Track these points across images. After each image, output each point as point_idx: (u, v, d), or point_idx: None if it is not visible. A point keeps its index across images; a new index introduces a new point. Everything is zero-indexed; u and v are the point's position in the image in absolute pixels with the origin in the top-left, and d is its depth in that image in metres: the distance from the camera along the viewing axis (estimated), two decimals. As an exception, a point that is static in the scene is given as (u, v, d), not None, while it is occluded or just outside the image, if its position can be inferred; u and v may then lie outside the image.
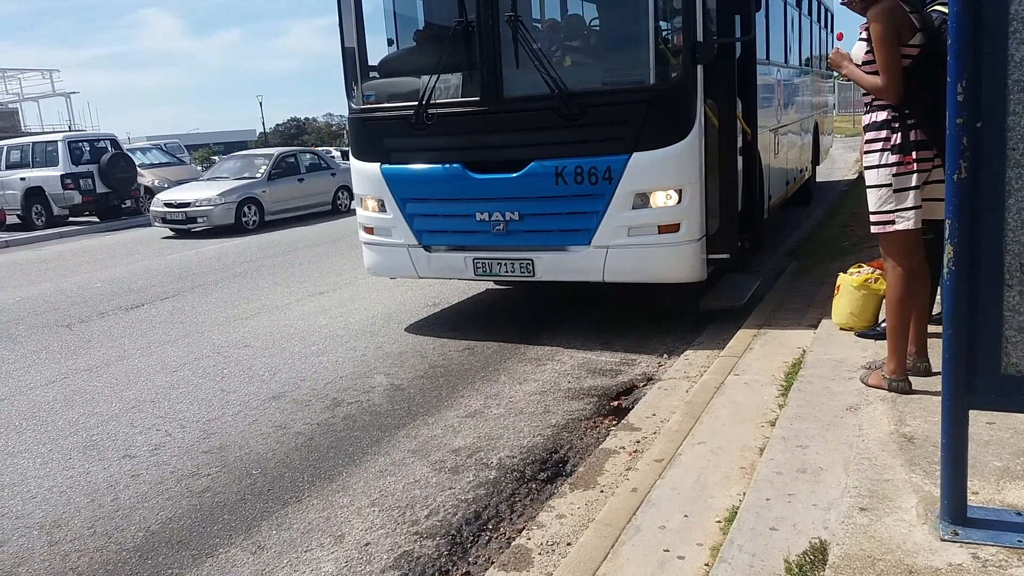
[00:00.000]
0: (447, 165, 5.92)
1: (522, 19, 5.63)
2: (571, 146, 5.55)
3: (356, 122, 6.44)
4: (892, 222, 3.68)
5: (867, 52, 3.64)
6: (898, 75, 3.54)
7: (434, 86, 5.81)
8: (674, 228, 5.48)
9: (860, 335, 4.91)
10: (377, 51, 6.74)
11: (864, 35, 3.67)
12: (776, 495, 3.11)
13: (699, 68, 5.38)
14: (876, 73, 3.59)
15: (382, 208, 6.33)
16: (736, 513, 3.05)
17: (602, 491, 3.64)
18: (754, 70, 6.84)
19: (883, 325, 4.46)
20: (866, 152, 3.76)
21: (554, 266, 5.80)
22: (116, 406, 5.41)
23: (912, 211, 3.64)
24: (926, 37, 3.59)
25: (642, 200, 5.47)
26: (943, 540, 2.49)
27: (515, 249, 5.89)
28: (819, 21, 12.39)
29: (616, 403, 4.88)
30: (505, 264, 5.93)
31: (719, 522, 3.09)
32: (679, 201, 5.43)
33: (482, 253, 6.02)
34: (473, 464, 4.12)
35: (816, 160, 13.00)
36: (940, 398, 2.52)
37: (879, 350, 4.38)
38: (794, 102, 10.14)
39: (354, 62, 6.40)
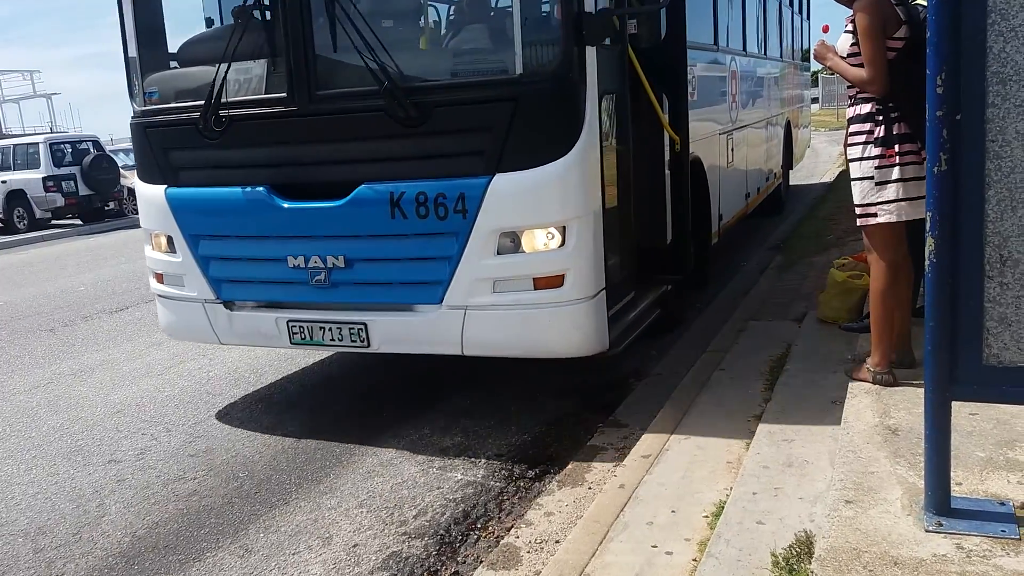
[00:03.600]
0: (248, 188, 4.30)
1: None
2: (411, 163, 4.03)
3: (136, 129, 4.73)
4: (875, 215, 3.70)
5: (852, 44, 3.66)
6: (883, 68, 3.55)
7: (225, 78, 4.20)
8: (556, 281, 3.94)
9: (844, 328, 4.93)
10: (183, 31, 4.93)
11: (850, 27, 3.68)
12: (762, 489, 3.13)
13: (590, 52, 3.91)
14: (861, 66, 3.61)
15: (171, 247, 4.70)
16: (723, 508, 3.07)
17: (590, 488, 3.64)
18: (683, 57, 5.32)
19: (867, 318, 4.49)
20: (850, 145, 3.78)
21: (396, 333, 4.26)
22: (101, 411, 5.38)
23: (894, 204, 3.65)
24: (912, 30, 3.60)
25: (511, 242, 3.94)
26: (928, 531, 2.51)
27: (342, 308, 4.31)
28: (791, 6, 11.17)
29: (603, 399, 4.88)
30: (330, 329, 4.32)
31: (706, 517, 3.10)
32: (562, 243, 3.90)
33: (299, 313, 4.41)
34: (461, 463, 4.12)
35: (788, 163, 11.38)
36: (923, 390, 2.54)
37: (863, 343, 4.41)
38: (757, 97, 8.77)
39: (136, 46, 4.72)
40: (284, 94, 4.19)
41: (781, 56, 10.38)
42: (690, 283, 5.76)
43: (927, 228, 2.42)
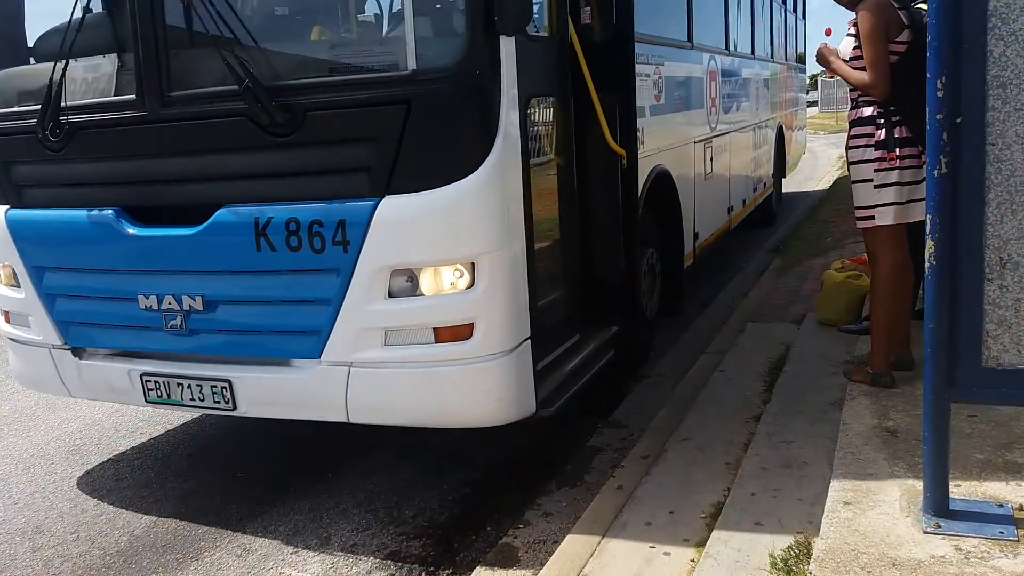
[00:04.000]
0: (95, 211, 3.58)
1: None
2: (281, 182, 3.33)
3: None
4: (875, 217, 3.71)
5: (855, 48, 3.67)
6: (885, 71, 3.56)
7: (63, 76, 3.47)
8: (463, 332, 3.21)
9: (843, 330, 4.94)
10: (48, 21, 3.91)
11: (852, 30, 3.69)
12: (761, 490, 3.14)
13: (507, 44, 3.16)
14: (864, 69, 3.61)
15: (16, 281, 3.95)
16: (722, 509, 3.07)
17: (588, 489, 3.64)
18: (630, 53, 4.46)
19: (866, 320, 4.50)
20: (851, 148, 3.79)
21: (266, 394, 3.52)
22: (99, 410, 5.36)
23: (894, 207, 3.66)
24: (914, 33, 3.61)
25: (407, 281, 3.21)
26: (926, 532, 2.52)
27: (203, 360, 3.59)
28: (784, 4, 10.48)
29: (602, 400, 4.87)
30: (189, 387, 3.58)
31: (704, 518, 3.11)
32: (471, 284, 3.17)
33: (155, 365, 3.68)
34: (459, 464, 4.12)
35: (781, 171, 10.55)
36: (922, 392, 2.54)
37: (862, 345, 4.42)
38: (743, 101, 8.01)
39: None
40: (133, 96, 3.43)
41: (772, 56, 9.67)
42: (662, 311, 5.24)
43: (927, 230, 2.42)
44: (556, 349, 3.82)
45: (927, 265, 2.44)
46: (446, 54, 3.16)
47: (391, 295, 3.21)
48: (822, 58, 3.93)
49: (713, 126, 6.67)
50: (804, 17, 12.08)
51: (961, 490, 2.73)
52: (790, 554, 2.68)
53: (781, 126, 10.26)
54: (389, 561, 3.28)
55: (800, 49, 11.94)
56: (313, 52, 3.55)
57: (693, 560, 2.82)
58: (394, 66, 3.18)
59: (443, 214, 3.14)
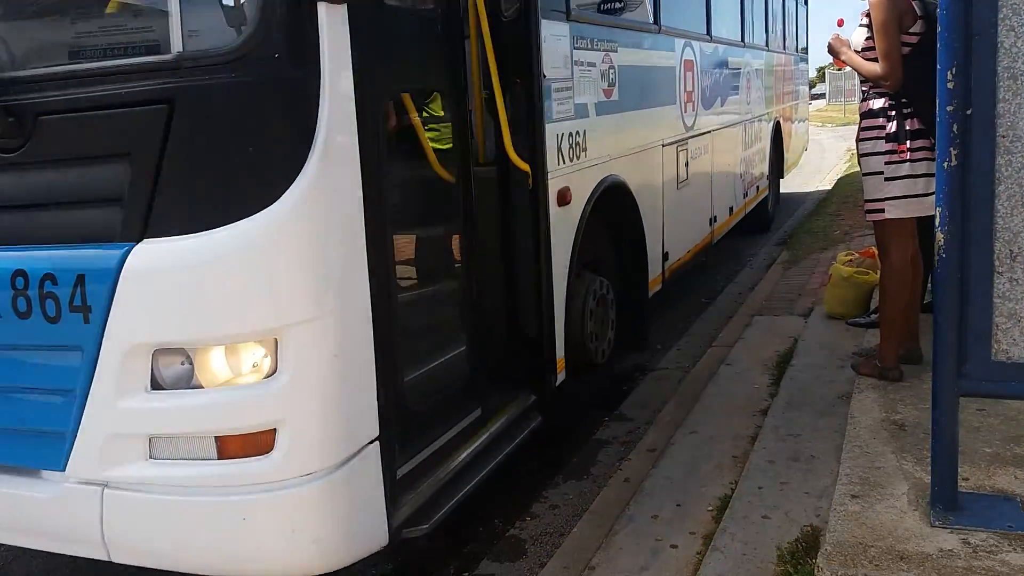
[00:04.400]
0: None
1: None
2: (9, 217, 2.38)
3: None
4: (885, 210, 3.69)
5: (867, 39, 3.64)
6: (898, 62, 3.54)
7: None
8: (261, 443, 2.20)
9: (851, 323, 4.93)
10: None
11: (865, 21, 3.67)
12: (768, 483, 3.14)
13: (331, 15, 2.15)
14: (876, 60, 3.59)
15: None
16: (729, 502, 3.07)
17: (595, 482, 3.65)
18: (534, 33, 3.28)
19: (874, 314, 4.49)
20: (861, 140, 3.77)
21: (6, 514, 2.51)
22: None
23: (905, 200, 3.64)
24: (927, 25, 3.58)
25: (180, 365, 2.23)
26: (934, 526, 2.51)
27: None
28: None
29: (609, 393, 4.87)
30: None
31: (711, 511, 3.11)
32: (273, 370, 2.18)
33: None
34: (466, 456, 4.12)
35: (778, 171, 9.55)
36: (931, 385, 2.53)
37: (870, 338, 4.41)
38: (729, 95, 6.95)
39: None
40: None
41: (768, 44, 8.59)
42: (622, 347, 4.59)
43: (936, 223, 2.41)
44: (440, 437, 2.87)
45: (936, 258, 2.43)
46: (229, 30, 2.17)
47: (156, 386, 2.22)
48: (833, 49, 3.91)
49: (689, 124, 5.70)
50: (806, 3, 11.25)
51: (969, 484, 2.73)
52: (797, 547, 2.68)
53: (778, 121, 9.21)
54: (396, 552, 3.28)
55: (802, 37, 11.14)
56: (46, 30, 2.54)
57: (700, 553, 2.82)
58: (154, 48, 2.22)
59: (228, 267, 2.14)
